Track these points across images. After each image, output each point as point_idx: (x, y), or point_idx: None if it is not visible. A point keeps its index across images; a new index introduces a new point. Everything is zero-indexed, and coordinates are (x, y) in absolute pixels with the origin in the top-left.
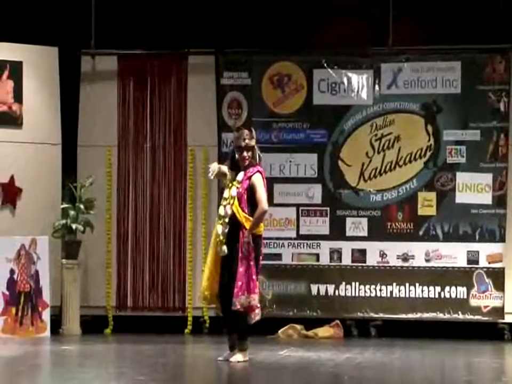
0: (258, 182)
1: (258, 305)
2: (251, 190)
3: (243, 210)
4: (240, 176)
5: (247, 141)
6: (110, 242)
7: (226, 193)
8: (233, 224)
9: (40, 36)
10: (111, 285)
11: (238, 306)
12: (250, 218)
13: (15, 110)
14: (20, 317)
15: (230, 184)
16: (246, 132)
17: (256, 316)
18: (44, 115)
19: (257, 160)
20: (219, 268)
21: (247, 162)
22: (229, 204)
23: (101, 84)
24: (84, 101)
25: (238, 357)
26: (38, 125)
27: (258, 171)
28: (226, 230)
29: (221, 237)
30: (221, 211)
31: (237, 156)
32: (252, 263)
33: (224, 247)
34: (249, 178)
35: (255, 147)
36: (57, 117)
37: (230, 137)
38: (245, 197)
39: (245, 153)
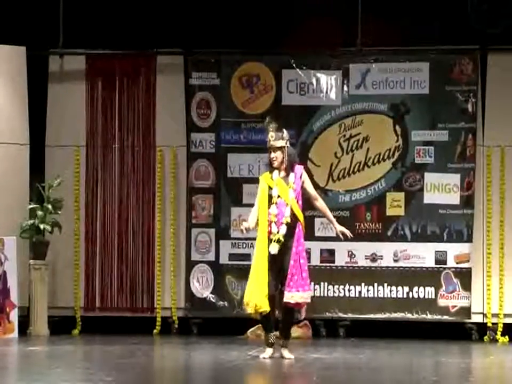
0: (307, 177)
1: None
2: (301, 186)
3: (300, 207)
4: (292, 178)
5: (271, 142)
6: (78, 243)
7: (275, 192)
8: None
9: (8, 35)
10: (79, 285)
11: (299, 301)
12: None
13: None
14: None
15: (275, 184)
16: (271, 134)
17: (303, 313)
18: (11, 115)
19: (295, 158)
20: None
21: (275, 164)
22: (276, 203)
23: (69, 83)
24: (52, 101)
25: (289, 354)
26: (5, 125)
27: (304, 167)
28: (285, 231)
29: (281, 237)
30: (273, 210)
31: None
32: (305, 255)
33: (277, 246)
34: (301, 177)
35: (285, 147)
36: (25, 116)
37: (198, 138)
38: (300, 194)
39: (272, 154)
